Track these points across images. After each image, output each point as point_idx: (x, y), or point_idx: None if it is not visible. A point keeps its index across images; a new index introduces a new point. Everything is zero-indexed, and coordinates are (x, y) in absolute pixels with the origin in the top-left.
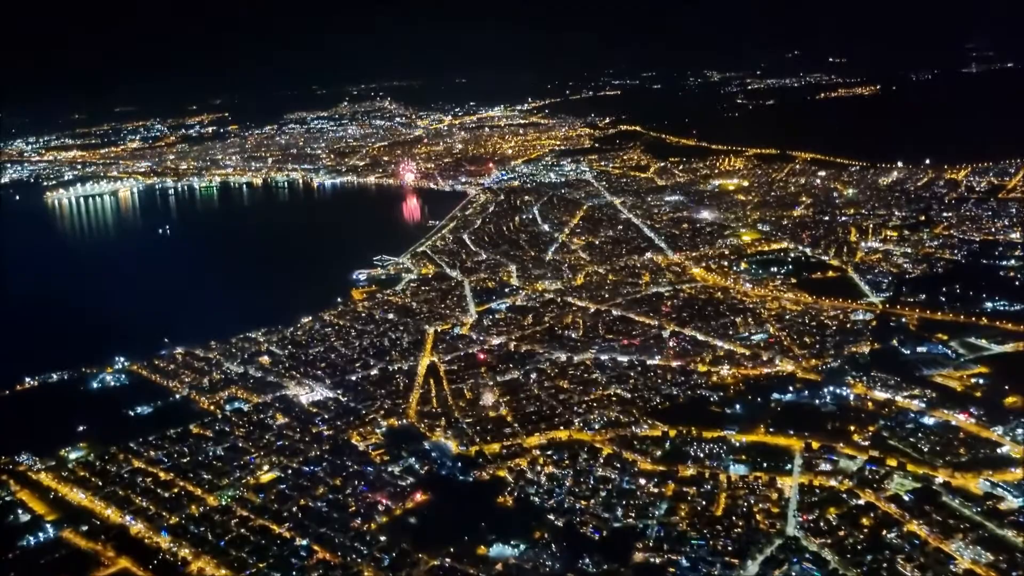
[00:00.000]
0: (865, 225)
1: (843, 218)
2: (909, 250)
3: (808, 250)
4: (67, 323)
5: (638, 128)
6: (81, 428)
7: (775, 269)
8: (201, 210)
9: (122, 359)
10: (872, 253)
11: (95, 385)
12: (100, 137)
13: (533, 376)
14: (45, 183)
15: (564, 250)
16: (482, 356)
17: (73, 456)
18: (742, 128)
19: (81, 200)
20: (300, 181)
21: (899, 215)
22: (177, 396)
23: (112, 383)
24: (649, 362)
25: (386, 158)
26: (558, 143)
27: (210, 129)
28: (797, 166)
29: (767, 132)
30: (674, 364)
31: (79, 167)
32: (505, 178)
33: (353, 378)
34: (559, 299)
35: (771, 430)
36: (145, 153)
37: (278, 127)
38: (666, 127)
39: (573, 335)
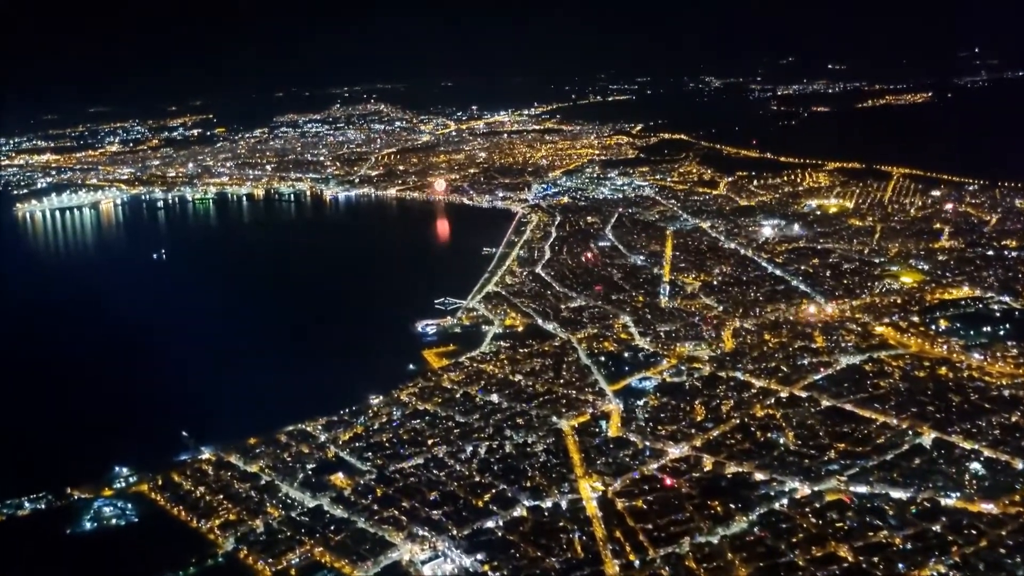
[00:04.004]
0: None
1: (1010, 252)
2: None
3: (1007, 299)
4: (40, 406)
5: (684, 137)
6: None
7: (989, 329)
8: (198, 227)
9: (124, 472)
10: None
11: (87, 523)
12: (75, 139)
13: (781, 527)
14: (16, 192)
15: (679, 293)
16: (670, 482)
17: None
18: (807, 138)
19: (57, 213)
20: (308, 193)
21: None
22: (219, 557)
23: (112, 518)
24: (944, 502)
25: (401, 167)
26: (596, 152)
27: (195, 132)
28: (901, 184)
29: (838, 143)
30: (984, 508)
31: (53, 173)
32: (550, 193)
33: (491, 524)
34: (724, 374)
35: None
36: (126, 158)
37: (270, 131)
38: (715, 136)
39: (782, 440)
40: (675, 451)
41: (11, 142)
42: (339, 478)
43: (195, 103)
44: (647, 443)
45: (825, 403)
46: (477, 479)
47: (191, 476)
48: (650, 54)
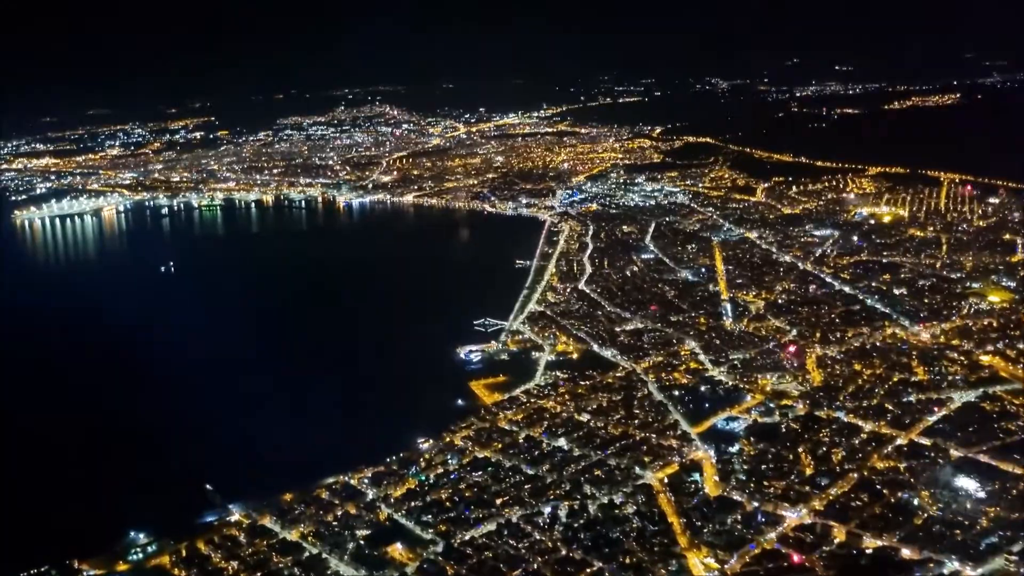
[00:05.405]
0: None
1: None
2: None
3: None
4: (39, 458)
5: (710, 140)
6: None
7: None
8: (206, 237)
9: (141, 539)
10: None
11: None
12: (75, 142)
13: None
14: (14, 198)
15: (744, 314)
16: (798, 559)
17: None
18: (840, 141)
19: (57, 221)
20: (320, 199)
21: None
22: None
23: None
24: None
25: (415, 172)
26: (619, 156)
27: (198, 135)
28: (955, 190)
29: (874, 146)
30: None
31: (53, 178)
32: (577, 199)
33: None
34: (823, 414)
35: None
36: (128, 162)
37: (274, 133)
38: (742, 139)
39: (915, 502)
40: (792, 515)
41: (9, 145)
42: (398, 550)
43: (195, 105)
44: (755, 504)
45: (954, 453)
46: (564, 552)
47: (220, 545)
48: (651, 55)
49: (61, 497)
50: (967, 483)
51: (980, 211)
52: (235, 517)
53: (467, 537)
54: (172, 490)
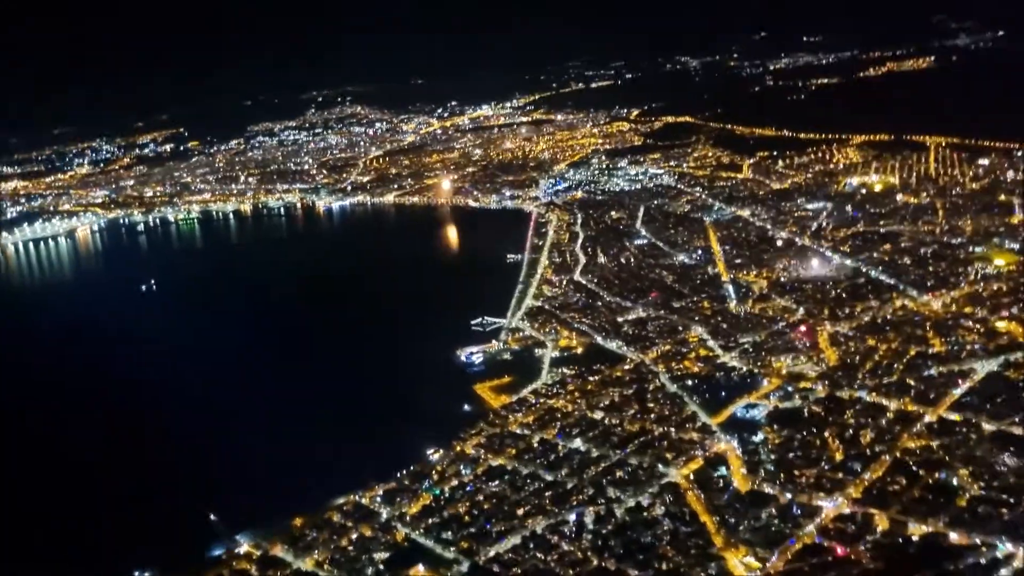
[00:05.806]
0: None
1: None
2: None
3: None
4: (32, 497)
5: (689, 119)
6: None
7: None
8: (185, 251)
9: None
10: None
11: None
12: (43, 163)
13: None
14: None
15: (747, 295)
16: (842, 551)
17: None
18: (821, 112)
19: (31, 246)
20: (298, 205)
21: None
22: None
23: None
24: None
25: (393, 170)
26: (599, 141)
27: (168, 147)
28: (943, 154)
29: (855, 115)
30: None
31: (23, 201)
32: (561, 188)
33: None
34: (846, 395)
35: None
36: (98, 179)
37: (245, 141)
38: (723, 116)
39: (955, 481)
40: (829, 505)
41: None
42: (420, 573)
43: (162, 117)
44: (789, 496)
45: (987, 427)
46: (595, 562)
47: None
48: (618, 39)
49: (56, 539)
50: (1005, 458)
51: (972, 173)
52: (244, 548)
53: (492, 553)
54: (176, 521)
